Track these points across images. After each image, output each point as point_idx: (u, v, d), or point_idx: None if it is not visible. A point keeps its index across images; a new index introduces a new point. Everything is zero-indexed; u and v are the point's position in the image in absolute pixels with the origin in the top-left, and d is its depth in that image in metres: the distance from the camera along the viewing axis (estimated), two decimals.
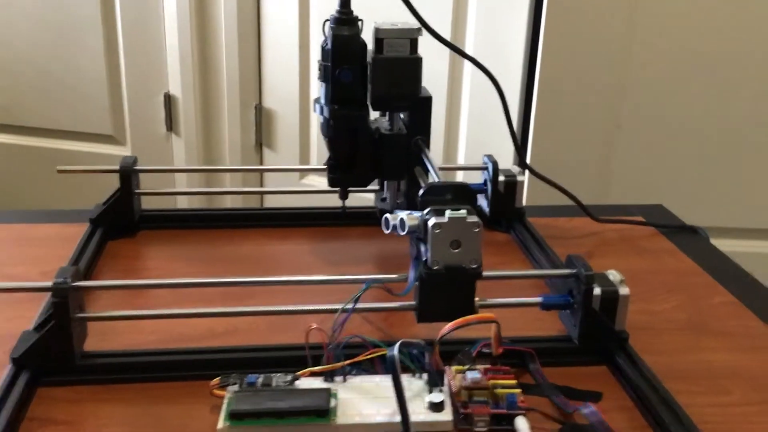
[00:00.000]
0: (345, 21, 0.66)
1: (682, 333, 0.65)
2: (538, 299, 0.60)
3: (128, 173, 0.78)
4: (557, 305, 0.60)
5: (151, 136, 1.76)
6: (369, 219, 0.80)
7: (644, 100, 1.29)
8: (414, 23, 0.68)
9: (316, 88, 1.72)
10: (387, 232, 0.57)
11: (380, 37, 0.67)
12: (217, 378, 0.52)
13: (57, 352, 0.54)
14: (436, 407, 0.50)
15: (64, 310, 0.53)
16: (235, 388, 0.51)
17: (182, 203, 1.56)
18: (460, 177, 0.86)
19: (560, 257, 0.78)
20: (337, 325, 0.53)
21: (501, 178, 0.82)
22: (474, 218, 0.55)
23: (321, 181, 1.69)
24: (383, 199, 0.75)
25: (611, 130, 1.32)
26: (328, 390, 0.51)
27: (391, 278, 0.58)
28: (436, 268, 0.56)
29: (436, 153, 1.48)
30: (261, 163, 1.75)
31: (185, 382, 0.55)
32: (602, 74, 1.28)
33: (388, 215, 0.57)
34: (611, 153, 1.32)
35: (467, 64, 1.38)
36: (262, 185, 1.73)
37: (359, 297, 0.54)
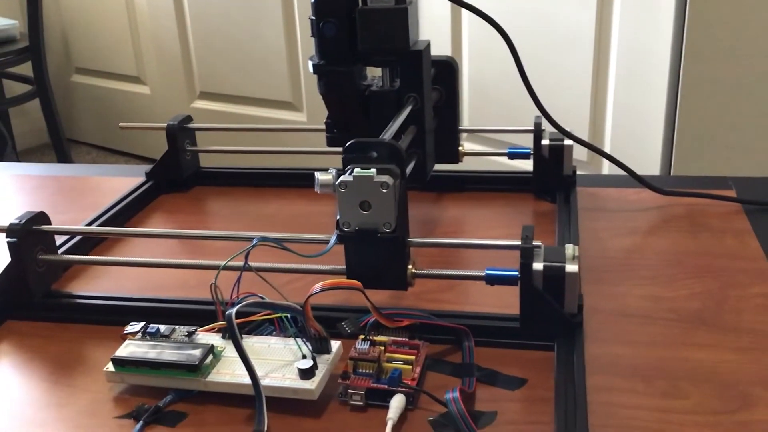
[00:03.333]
0: None
1: (677, 324, 0.55)
2: (482, 272, 0.54)
3: (174, 132, 0.81)
4: (502, 279, 0.53)
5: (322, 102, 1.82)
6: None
7: None
8: None
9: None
10: (316, 190, 0.55)
11: None
12: (128, 324, 0.54)
13: (15, 289, 0.59)
14: (305, 374, 0.47)
15: (17, 250, 0.58)
16: (138, 336, 0.52)
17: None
18: (516, 139, 0.78)
19: (600, 232, 0.70)
20: (235, 283, 0.52)
21: (545, 141, 0.75)
22: (384, 178, 0.51)
23: None
24: None
25: None
26: (211, 347, 0.50)
27: (308, 238, 0.55)
28: (347, 230, 0.52)
29: (494, 115, 1.37)
30: None
31: (118, 327, 0.57)
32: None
33: (317, 172, 0.55)
34: None
35: (615, 32, 1.26)
36: None
37: (249, 252, 0.52)
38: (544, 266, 0.51)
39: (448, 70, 0.72)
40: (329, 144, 0.70)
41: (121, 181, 0.86)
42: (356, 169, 0.51)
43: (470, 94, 1.58)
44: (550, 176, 0.75)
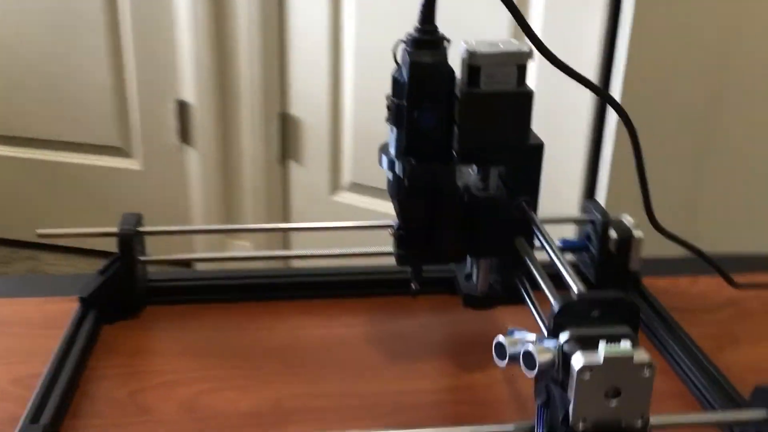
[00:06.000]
0: (428, 42, 0.47)
1: None
2: None
3: (129, 239, 0.59)
4: None
5: (162, 148, 1.58)
6: (439, 286, 0.62)
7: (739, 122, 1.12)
8: (513, 41, 0.49)
9: (350, 98, 1.51)
10: (502, 365, 0.39)
11: (476, 63, 0.47)
12: None
13: None
14: None
15: None
16: None
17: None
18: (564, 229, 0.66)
19: (695, 341, 0.60)
20: None
21: (614, 234, 0.64)
22: (644, 356, 0.36)
23: (354, 199, 1.51)
24: (467, 276, 0.56)
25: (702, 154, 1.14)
26: None
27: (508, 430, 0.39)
28: (581, 427, 0.37)
29: None
30: (285, 178, 1.57)
31: None
32: (692, 91, 1.11)
33: (501, 339, 0.39)
34: (700, 181, 1.15)
35: None
36: (285, 209, 1.56)
37: None
38: None
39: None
40: (400, 263, 0.53)
41: (38, 306, 0.62)
42: (603, 346, 0.36)
43: (355, 141, 1.45)
44: (616, 272, 0.64)
